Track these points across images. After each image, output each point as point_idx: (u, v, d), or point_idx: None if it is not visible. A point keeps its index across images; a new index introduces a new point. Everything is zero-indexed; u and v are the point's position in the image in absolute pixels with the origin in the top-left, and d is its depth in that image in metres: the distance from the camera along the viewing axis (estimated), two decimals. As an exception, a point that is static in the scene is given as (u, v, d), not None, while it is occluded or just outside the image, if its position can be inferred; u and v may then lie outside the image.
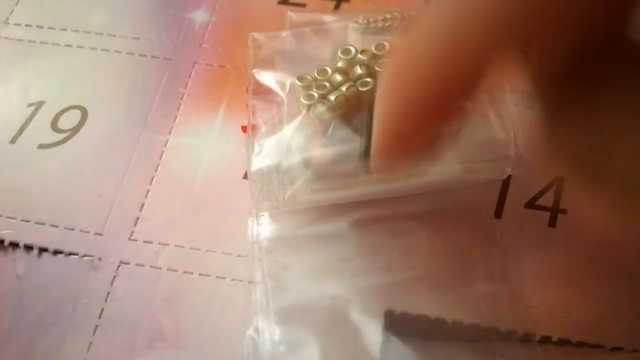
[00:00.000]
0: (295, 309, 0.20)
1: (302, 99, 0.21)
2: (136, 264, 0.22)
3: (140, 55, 0.27)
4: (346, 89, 0.21)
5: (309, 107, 0.21)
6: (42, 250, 0.22)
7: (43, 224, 0.23)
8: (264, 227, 0.22)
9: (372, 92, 0.20)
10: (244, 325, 0.20)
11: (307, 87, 0.21)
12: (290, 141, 0.21)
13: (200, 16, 0.28)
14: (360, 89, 0.21)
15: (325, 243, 0.22)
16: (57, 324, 0.21)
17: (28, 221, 0.23)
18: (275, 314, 0.20)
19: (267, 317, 0.20)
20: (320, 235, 0.22)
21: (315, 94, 0.21)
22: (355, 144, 0.20)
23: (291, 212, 0.22)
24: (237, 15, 0.28)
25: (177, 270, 0.22)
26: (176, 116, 0.25)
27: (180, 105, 0.25)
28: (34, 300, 0.21)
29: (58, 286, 0.22)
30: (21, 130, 0.25)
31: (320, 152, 0.21)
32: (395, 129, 0.15)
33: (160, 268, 0.22)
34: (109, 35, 0.28)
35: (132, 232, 0.22)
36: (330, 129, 0.21)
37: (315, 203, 0.22)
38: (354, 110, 0.21)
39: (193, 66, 0.27)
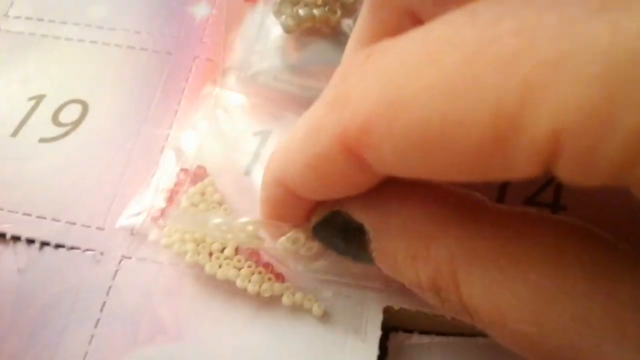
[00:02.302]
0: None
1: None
2: (138, 258, 0.22)
3: (141, 49, 0.27)
4: (317, 10, 0.24)
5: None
6: (44, 244, 0.22)
7: (45, 217, 0.23)
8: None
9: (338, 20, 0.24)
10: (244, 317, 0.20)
11: None
12: (271, 29, 0.25)
13: (200, 10, 0.28)
14: (329, 15, 0.24)
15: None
16: (59, 318, 0.21)
17: (30, 215, 0.23)
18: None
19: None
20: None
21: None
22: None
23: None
24: (237, 9, 0.28)
25: (178, 264, 0.22)
26: (177, 110, 0.25)
27: (181, 99, 0.25)
28: (35, 294, 0.22)
29: (59, 280, 0.22)
30: (22, 123, 0.25)
31: (296, 46, 0.24)
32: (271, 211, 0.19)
33: (162, 262, 0.22)
34: (109, 29, 0.28)
35: (134, 227, 0.23)
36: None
37: (269, 91, 0.24)
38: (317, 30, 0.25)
39: (194, 60, 0.27)
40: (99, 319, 0.21)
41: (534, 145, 0.10)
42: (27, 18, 0.28)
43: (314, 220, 0.18)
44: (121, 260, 0.22)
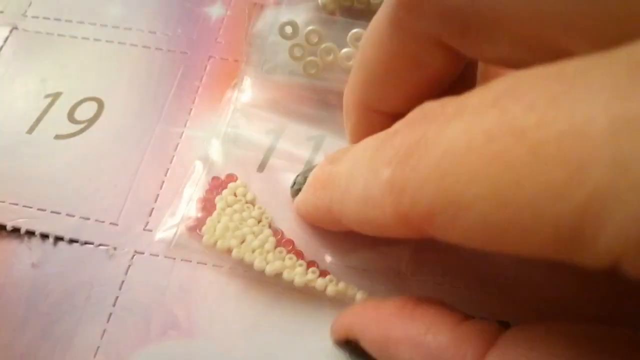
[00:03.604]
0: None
1: None
2: (151, 254, 0.22)
3: (156, 48, 0.27)
4: None
5: None
6: (58, 238, 0.23)
7: (59, 213, 0.23)
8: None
9: None
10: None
11: None
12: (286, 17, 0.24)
13: (215, 11, 0.28)
14: None
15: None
16: (72, 312, 0.21)
17: (44, 210, 0.23)
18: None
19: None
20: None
21: None
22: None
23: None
24: (252, 10, 0.28)
25: (191, 261, 0.22)
26: (191, 109, 0.25)
27: (195, 98, 0.26)
28: (49, 288, 0.22)
29: (73, 274, 0.22)
30: (38, 120, 0.25)
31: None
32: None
33: (175, 258, 0.22)
34: (125, 28, 0.28)
35: (147, 223, 0.23)
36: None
37: (285, 86, 0.24)
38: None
39: (208, 60, 0.27)
40: (111, 314, 0.21)
41: (597, 258, 0.10)
42: (45, 18, 0.29)
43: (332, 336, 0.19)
44: (134, 255, 0.22)
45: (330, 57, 0.24)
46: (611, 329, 0.14)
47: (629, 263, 0.10)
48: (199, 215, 0.22)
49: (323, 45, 0.23)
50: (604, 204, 0.10)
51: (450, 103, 0.14)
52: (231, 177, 0.23)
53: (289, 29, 0.24)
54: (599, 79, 0.10)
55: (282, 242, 0.22)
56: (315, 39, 0.24)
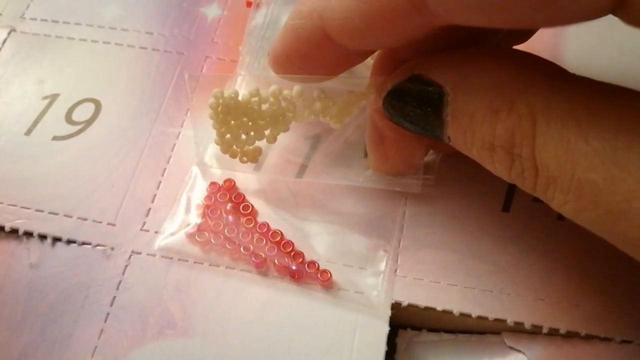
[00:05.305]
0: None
1: None
2: (148, 254, 0.22)
3: (153, 49, 0.27)
4: None
5: None
6: (56, 239, 0.23)
7: (57, 214, 0.23)
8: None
9: None
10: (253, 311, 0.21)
11: None
12: (280, 17, 0.24)
13: (212, 11, 0.28)
14: None
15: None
16: (70, 312, 0.21)
17: (42, 211, 0.23)
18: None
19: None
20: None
21: None
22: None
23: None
24: (248, 10, 0.28)
25: (187, 260, 0.22)
26: (188, 109, 0.25)
27: (192, 98, 0.26)
28: (47, 288, 0.22)
29: (71, 275, 0.22)
30: (36, 122, 0.25)
31: None
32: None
33: (171, 258, 0.22)
34: (122, 29, 0.28)
35: (144, 223, 0.23)
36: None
37: (280, 82, 0.23)
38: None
39: (205, 60, 0.27)
40: (108, 314, 0.21)
41: None
42: (43, 20, 0.29)
43: (389, 86, 0.18)
44: (131, 255, 0.22)
45: None
46: None
47: None
48: (199, 221, 0.22)
49: None
50: None
51: None
52: (229, 182, 0.23)
53: None
54: None
55: (282, 243, 0.22)
56: None
